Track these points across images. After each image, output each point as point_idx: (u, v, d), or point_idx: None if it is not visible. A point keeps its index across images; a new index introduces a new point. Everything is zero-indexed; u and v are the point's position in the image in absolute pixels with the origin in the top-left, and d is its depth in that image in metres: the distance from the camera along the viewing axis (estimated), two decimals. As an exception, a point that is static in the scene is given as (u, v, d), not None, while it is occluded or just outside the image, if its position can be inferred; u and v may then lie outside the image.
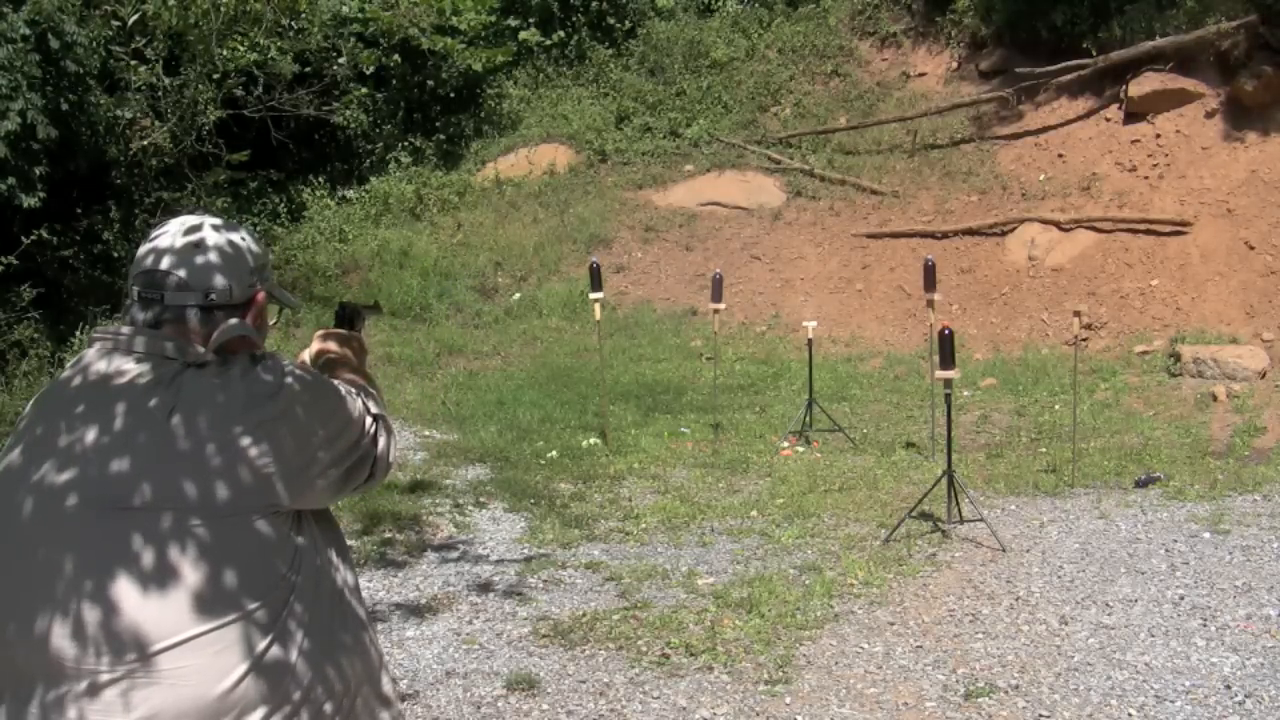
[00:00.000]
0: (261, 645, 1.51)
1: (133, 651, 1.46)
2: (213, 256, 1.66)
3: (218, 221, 1.73)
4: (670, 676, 4.30)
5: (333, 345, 2.01)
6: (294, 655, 1.55)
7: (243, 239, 1.72)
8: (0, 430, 6.71)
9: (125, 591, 1.47)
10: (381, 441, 1.79)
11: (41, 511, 1.53)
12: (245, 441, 1.54)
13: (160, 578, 1.48)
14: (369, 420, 1.78)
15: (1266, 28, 10.83)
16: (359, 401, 1.78)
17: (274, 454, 1.56)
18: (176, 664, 1.47)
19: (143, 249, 1.68)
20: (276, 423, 1.58)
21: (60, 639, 1.47)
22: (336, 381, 1.82)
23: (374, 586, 5.28)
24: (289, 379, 1.64)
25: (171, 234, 1.67)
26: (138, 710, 1.46)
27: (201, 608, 1.48)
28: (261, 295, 1.73)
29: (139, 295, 1.64)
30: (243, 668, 1.49)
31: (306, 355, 2.01)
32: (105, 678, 1.46)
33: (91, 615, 1.47)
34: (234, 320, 1.67)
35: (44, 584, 1.49)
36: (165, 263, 1.64)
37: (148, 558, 1.48)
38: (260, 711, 1.51)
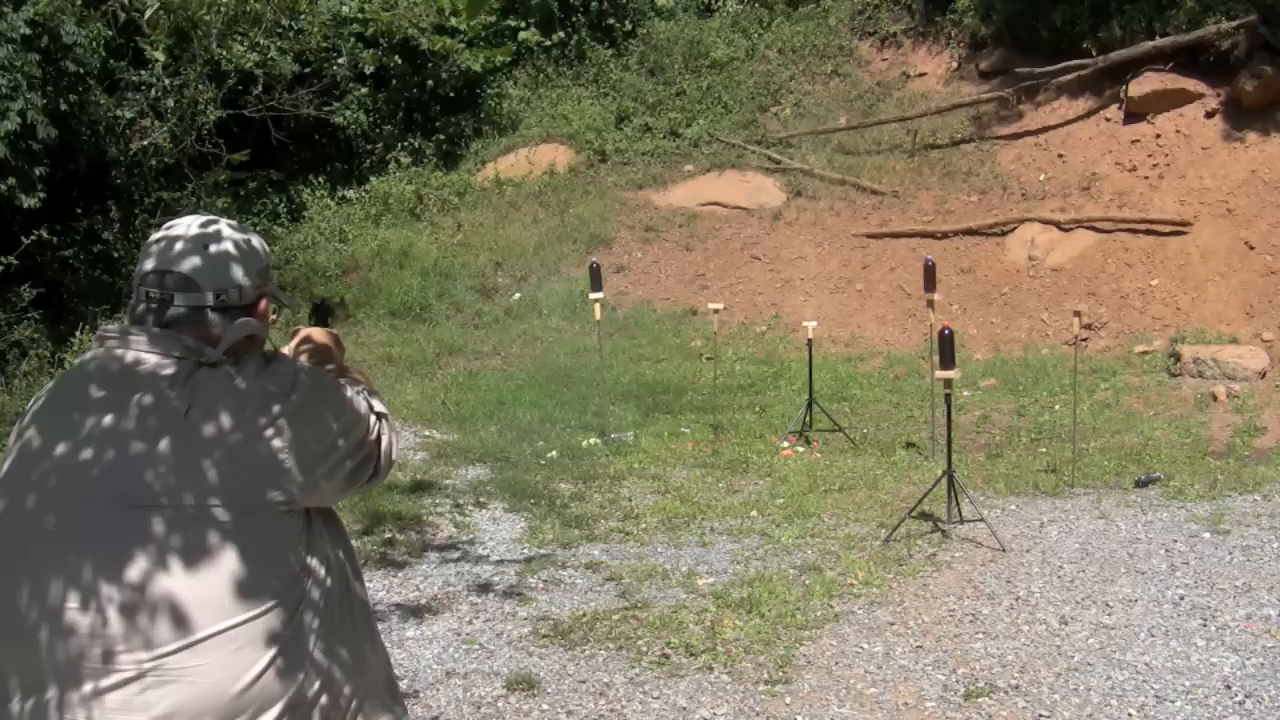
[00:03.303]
0: (278, 642, 1.52)
1: (150, 649, 1.46)
2: (226, 256, 1.66)
3: (229, 222, 1.74)
4: (670, 676, 4.30)
5: (317, 337, 2.02)
6: (310, 652, 1.56)
7: (251, 240, 1.73)
8: (0, 430, 6.70)
9: (142, 588, 1.47)
10: (385, 439, 1.81)
11: (58, 506, 1.52)
12: (261, 438, 1.55)
13: (177, 575, 1.48)
14: (373, 419, 1.79)
15: (1266, 28, 10.83)
16: (363, 399, 1.79)
17: (289, 450, 1.57)
18: (195, 662, 1.47)
19: (151, 247, 1.67)
20: (291, 420, 1.59)
21: (78, 634, 1.47)
22: (343, 379, 1.83)
23: (374, 586, 5.28)
24: (302, 376, 1.65)
25: (182, 232, 1.67)
26: (156, 708, 1.46)
27: (218, 605, 1.48)
28: (268, 295, 1.74)
29: (148, 294, 1.63)
30: (260, 664, 1.50)
31: (287, 350, 2.02)
32: (123, 675, 1.46)
33: (109, 612, 1.47)
34: (244, 319, 1.67)
35: (62, 578, 1.49)
36: (177, 261, 1.64)
37: (165, 555, 1.48)
38: (277, 707, 1.52)
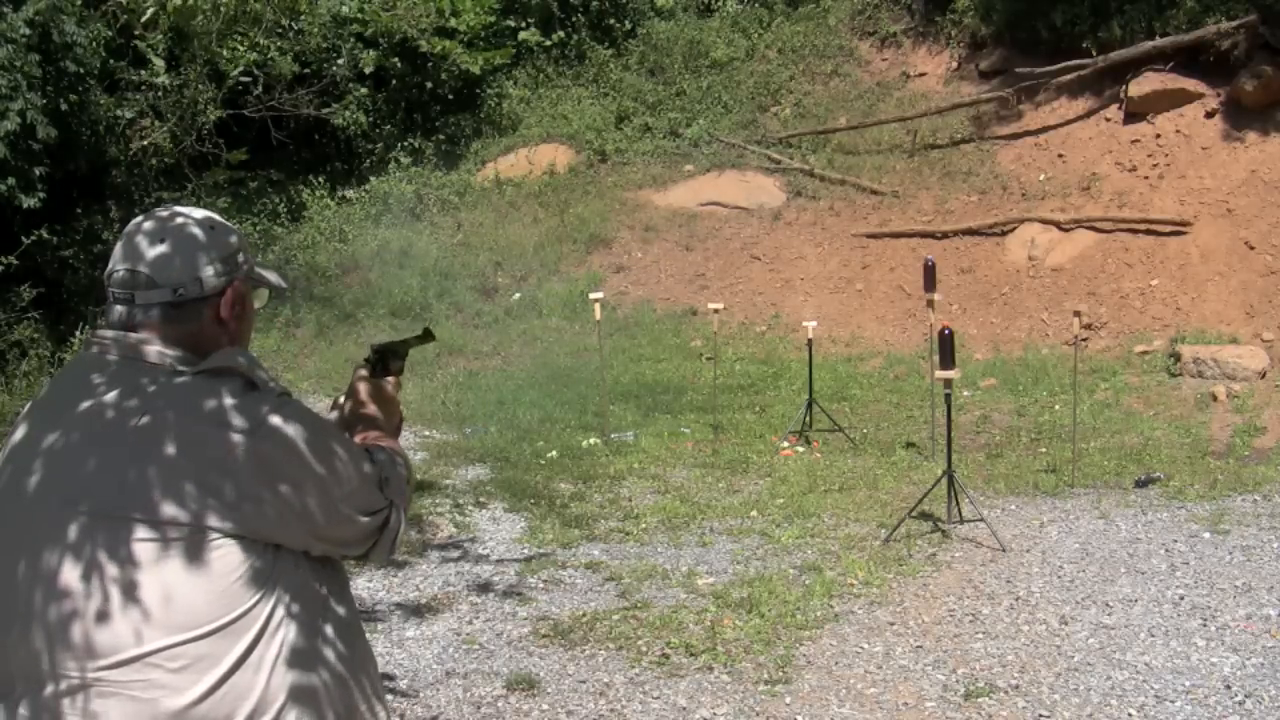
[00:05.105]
0: (226, 664, 1.47)
1: (88, 659, 1.45)
2: (180, 249, 1.59)
3: (186, 212, 1.66)
4: (670, 676, 4.30)
5: (362, 396, 1.88)
6: (264, 676, 1.50)
7: (212, 227, 1.64)
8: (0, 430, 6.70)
9: (91, 599, 1.45)
10: (389, 531, 1.67)
11: (33, 503, 1.52)
12: (220, 465, 1.48)
13: (124, 588, 1.45)
14: (378, 497, 1.65)
15: (1266, 28, 10.83)
16: (376, 480, 1.65)
17: (247, 482, 1.49)
18: (136, 677, 1.44)
19: (115, 246, 1.63)
20: (252, 453, 1.50)
21: (42, 631, 1.47)
22: (376, 445, 1.73)
23: (374, 586, 5.29)
24: (285, 412, 1.55)
25: (139, 230, 1.62)
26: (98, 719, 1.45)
27: (162, 622, 1.45)
28: (239, 283, 1.65)
29: (114, 296, 1.60)
30: (204, 685, 1.46)
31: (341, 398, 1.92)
32: (70, 683, 1.46)
33: (57, 620, 1.46)
34: (228, 350, 1.60)
35: (24, 582, 1.49)
36: (134, 260, 1.59)
37: (112, 566, 1.45)
38: None
